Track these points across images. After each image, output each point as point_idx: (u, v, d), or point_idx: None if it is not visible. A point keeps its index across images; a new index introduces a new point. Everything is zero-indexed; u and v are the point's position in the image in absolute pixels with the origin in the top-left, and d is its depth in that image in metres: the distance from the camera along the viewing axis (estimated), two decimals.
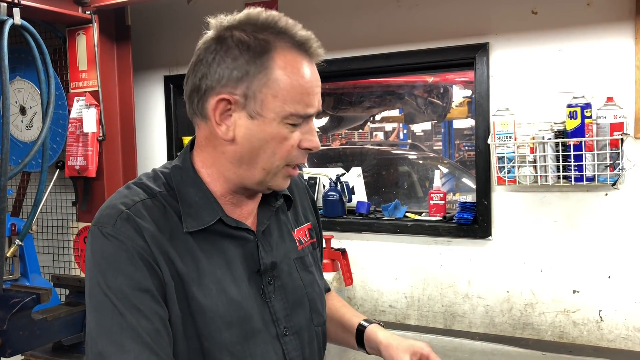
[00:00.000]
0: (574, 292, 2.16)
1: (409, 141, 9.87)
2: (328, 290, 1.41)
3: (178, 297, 1.00)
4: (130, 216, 0.99)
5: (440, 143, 9.86)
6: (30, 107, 2.76)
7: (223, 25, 1.02)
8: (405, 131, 10.96)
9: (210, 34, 1.04)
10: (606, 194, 2.09)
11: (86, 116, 2.58)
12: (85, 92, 2.64)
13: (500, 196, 2.27)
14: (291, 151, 1.03)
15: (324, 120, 5.25)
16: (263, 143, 1.01)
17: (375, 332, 1.27)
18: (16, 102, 2.78)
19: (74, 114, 2.64)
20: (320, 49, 1.04)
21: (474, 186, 2.43)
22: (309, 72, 1.02)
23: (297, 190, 1.27)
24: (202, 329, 1.00)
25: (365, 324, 1.29)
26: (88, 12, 2.57)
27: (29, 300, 1.94)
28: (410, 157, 6.00)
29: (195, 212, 1.04)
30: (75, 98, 2.64)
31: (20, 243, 2.41)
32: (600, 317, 2.12)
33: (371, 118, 6.01)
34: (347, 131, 9.29)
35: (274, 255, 1.12)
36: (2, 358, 1.91)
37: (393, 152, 6.34)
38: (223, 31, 1.02)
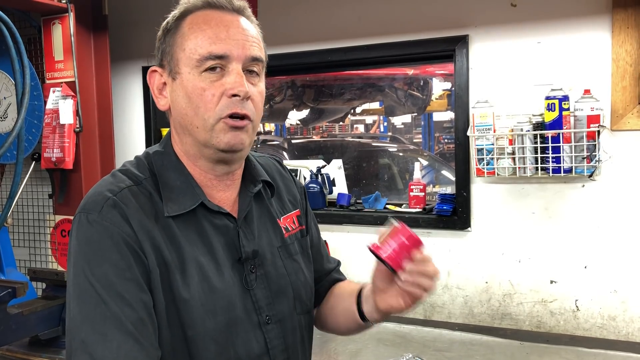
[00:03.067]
0: (552, 282, 2.19)
1: (389, 134, 9.91)
2: (339, 279, 1.35)
3: (162, 284, 0.99)
4: (117, 202, 0.98)
5: (420, 136, 9.90)
6: (5, 98, 2.71)
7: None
8: (385, 124, 10.99)
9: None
10: (583, 186, 2.12)
11: (62, 107, 2.54)
12: (62, 82, 2.59)
13: (479, 188, 2.29)
14: (215, 101, 1.00)
15: (304, 113, 5.24)
16: (187, 100, 1.02)
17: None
18: None
19: (50, 105, 2.59)
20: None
21: (453, 178, 2.45)
22: (217, 19, 1.03)
23: (282, 179, 1.26)
24: (185, 317, 1.00)
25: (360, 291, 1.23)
26: (64, 1, 2.52)
27: (5, 294, 1.91)
28: (390, 149, 6.01)
29: (177, 197, 1.04)
30: (52, 89, 2.59)
31: None
32: (577, 306, 2.16)
33: (352, 110, 6.02)
34: (327, 124, 9.28)
35: (256, 244, 1.11)
36: None
37: (373, 144, 6.36)
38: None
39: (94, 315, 0.93)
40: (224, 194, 1.11)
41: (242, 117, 1.02)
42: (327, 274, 1.34)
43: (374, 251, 1.08)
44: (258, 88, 1.05)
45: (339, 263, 1.39)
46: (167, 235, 1.01)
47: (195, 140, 1.04)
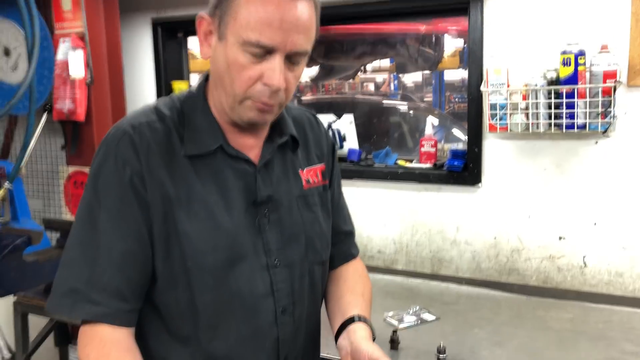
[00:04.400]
0: (560, 238, 2.19)
1: (400, 92, 9.81)
2: (349, 257, 1.36)
3: (164, 218, 1.04)
4: (133, 137, 1.05)
5: (431, 96, 9.79)
6: (15, 49, 2.69)
7: None
8: (395, 82, 10.86)
9: None
10: (596, 142, 2.10)
11: (72, 58, 2.52)
12: (71, 33, 2.57)
13: (491, 144, 2.28)
14: (249, 83, 1.02)
15: (314, 70, 5.19)
16: (225, 67, 1.03)
17: (355, 330, 1.16)
18: None
19: (60, 57, 2.57)
20: None
21: (464, 137, 2.44)
22: (276, 5, 0.98)
23: (313, 132, 1.27)
24: (186, 250, 1.05)
25: (355, 320, 1.18)
26: None
27: (20, 241, 1.94)
28: (400, 108, 5.96)
29: (200, 138, 1.09)
30: (61, 39, 2.57)
31: (9, 186, 2.38)
32: (584, 262, 2.17)
33: (362, 68, 5.95)
34: (337, 82, 9.19)
35: (273, 190, 1.14)
36: None
37: (384, 103, 6.31)
38: None
39: (87, 241, 1.03)
40: (248, 141, 1.14)
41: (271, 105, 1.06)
42: (342, 238, 1.34)
43: None
44: (295, 73, 1.06)
45: (354, 230, 1.40)
46: (178, 172, 1.06)
47: (222, 100, 1.08)
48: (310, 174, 1.23)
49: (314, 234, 1.20)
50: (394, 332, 1.73)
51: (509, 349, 1.70)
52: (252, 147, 1.14)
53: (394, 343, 1.71)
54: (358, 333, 1.13)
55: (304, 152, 1.23)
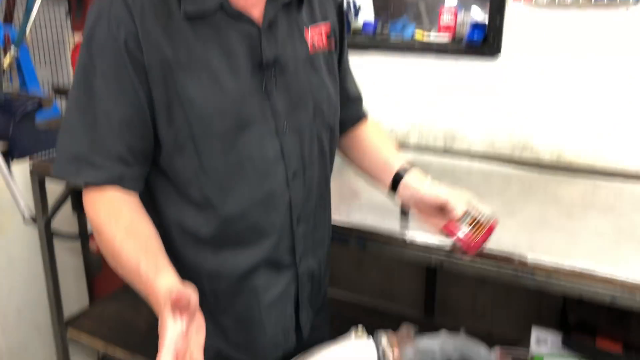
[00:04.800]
0: (579, 114, 2.14)
1: None
2: (360, 117, 1.40)
3: (164, 83, 1.01)
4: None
5: None
6: None
7: None
8: None
9: None
10: (627, 9, 1.98)
11: None
12: None
13: (514, 13, 2.16)
14: None
15: None
16: None
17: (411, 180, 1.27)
18: None
19: None
20: None
21: (483, 18, 2.31)
22: None
23: None
24: (190, 116, 1.02)
25: (405, 169, 1.28)
26: None
27: (31, 106, 1.93)
28: None
29: None
30: None
31: (15, 52, 2.33)
32: (601, 140, 2.13)
33: None
34: None
35: (278, 51, 1.10)
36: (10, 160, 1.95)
37: None
38: None
39: (86, 106, 1.01)
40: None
41: None
42: (349, 103, 1.33)
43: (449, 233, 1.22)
44: None
45: (361, 96, 1.41)
46: (176, 35, 1.01)
47: None
48: (316, 36, 1.17)
49: (321, 98, 1.17)
50: None
51: (519, 219, 1.71)
52: (253, 4, 1.07)
53: (404, 210, 1.73)
54: (416, 182, 1.25)
55: (308, 9, 1.18)
